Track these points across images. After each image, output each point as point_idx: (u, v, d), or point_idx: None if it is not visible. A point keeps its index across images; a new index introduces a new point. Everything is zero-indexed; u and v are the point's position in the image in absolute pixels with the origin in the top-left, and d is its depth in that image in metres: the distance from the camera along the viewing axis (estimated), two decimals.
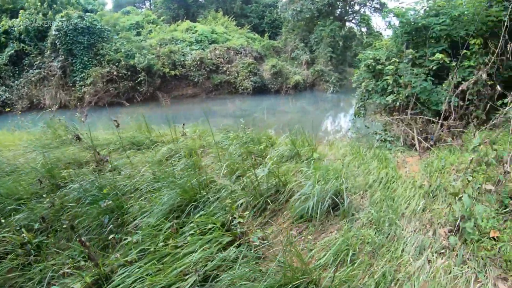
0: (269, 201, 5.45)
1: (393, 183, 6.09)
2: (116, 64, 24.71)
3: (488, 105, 9.17)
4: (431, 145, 8.94)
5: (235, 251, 4.24)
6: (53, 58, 25.12)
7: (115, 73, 24.43)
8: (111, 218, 5.32)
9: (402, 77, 11.03)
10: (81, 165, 7.96)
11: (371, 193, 5.71)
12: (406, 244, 4.34)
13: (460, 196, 4.48)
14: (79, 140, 8.37)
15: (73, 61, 24.72)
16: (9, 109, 21.97)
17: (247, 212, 5.12)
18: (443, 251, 4.19)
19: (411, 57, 11.38)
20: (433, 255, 4.13)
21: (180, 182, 5.71)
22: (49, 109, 13.04)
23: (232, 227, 4.67)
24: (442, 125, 9.46)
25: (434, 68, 10.80)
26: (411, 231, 4.62)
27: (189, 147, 8.46)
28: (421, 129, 10.16)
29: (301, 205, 5.14)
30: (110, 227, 5.11)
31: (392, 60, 11.60)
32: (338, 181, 5.37)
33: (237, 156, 7.33)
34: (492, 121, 6.47)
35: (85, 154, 8.28)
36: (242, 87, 29.14)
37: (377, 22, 70.28)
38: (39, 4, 26.50)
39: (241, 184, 5.91)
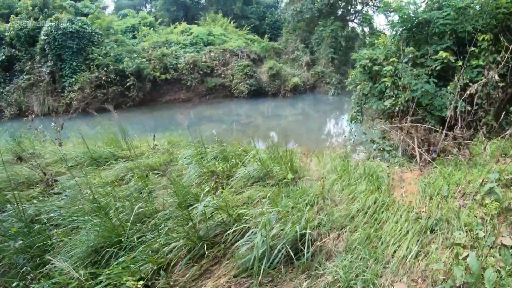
0: (206, 246, 4.12)
1: (382, 212, 4.82)
2: (105, 68, 23.65)
3: (503, 112, 7.85)
4: (434, 158, 7.64)
5: None
6: (42, 63, 24.19)
7: (103, 78, 23.35)
8: (26, 258, 4.20)
9: (401, 79, 9.77)
10: (31, 185, 6.82)
11: (351, 230, 4.43)
12: None
13: (465, 255, 3.19)
14: (20, 161, 7.15)
15: (62, 66, 23.70)
16: None
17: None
18: None
19: (412, 56, 10.14)
20: None
21: (108, 216, 4.48)
22: (31, 116, 12.05)
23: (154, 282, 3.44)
24: (447, 134, 8.12)
25: (437, 68, 9.57)
26: None
27: (151, 164, 7.24)
28: (422, 138, 8.91)
29: (248, 253, 3.86)
30: (25, 268, 3.97)
31: (391, 60, 10.38)
32: (304, 219, 4.07)
33: (195, 178, 6.09)
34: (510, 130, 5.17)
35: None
36: (238, 91, 27.84)
37: (380, 21, 68.89)
38: (30, 8, 25.70)
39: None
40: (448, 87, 9.21)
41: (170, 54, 26.79)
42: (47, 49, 23.47)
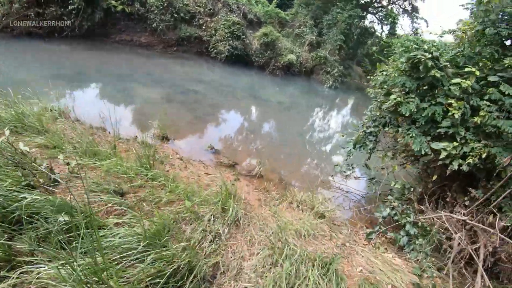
0: None
1: None
2: None
3: None
4: None
5: None
6: None
7: None
8: None
9: (482, 112, 4.78)
10: None
11: None
12: None
13: None
14: None
15: None
16: None
17: None
18: None
19: None
20: None
21: None
22: None
23: None
24: None
25: None
26: None
27: None
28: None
29: None
30: None
31: (466, 68, 5.27)
32: None
33: None
34: None
35: None
36: (216, 50, 22.47)
37: (403, 25, 64.69)
38: None
39: None
40: None
41: None
42: None
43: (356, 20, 28.11)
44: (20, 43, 16.14)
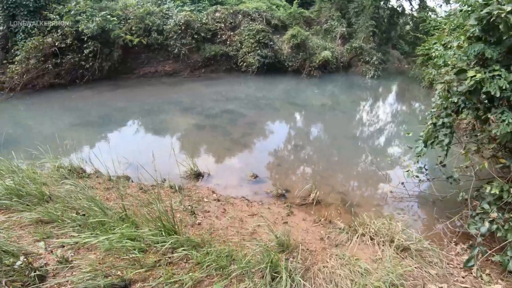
0: None
1: None
2: (59, 31, 17.23)
3: None
4: None
5: None
6: None
7: (57, 43, 16.85)
8: None
9: None
10: None
11: None
12: None
13: None
14: None
15: (16, 30, 17.60)
16: None
17: None
18: None
19: None
20: None
21: None
22: None
23: None
24: None
25: None
26: None
27: None
28: None
29: None
30: None
31: None
32: None
33: None
34: None
35: None
36: (245, 64, 21.31)
37: None
38: None
39: None
40: None
41: (158, 12, 20.16)
42: None
43: (382, 2, 27.00)
44: (43, 96, 15.76)
